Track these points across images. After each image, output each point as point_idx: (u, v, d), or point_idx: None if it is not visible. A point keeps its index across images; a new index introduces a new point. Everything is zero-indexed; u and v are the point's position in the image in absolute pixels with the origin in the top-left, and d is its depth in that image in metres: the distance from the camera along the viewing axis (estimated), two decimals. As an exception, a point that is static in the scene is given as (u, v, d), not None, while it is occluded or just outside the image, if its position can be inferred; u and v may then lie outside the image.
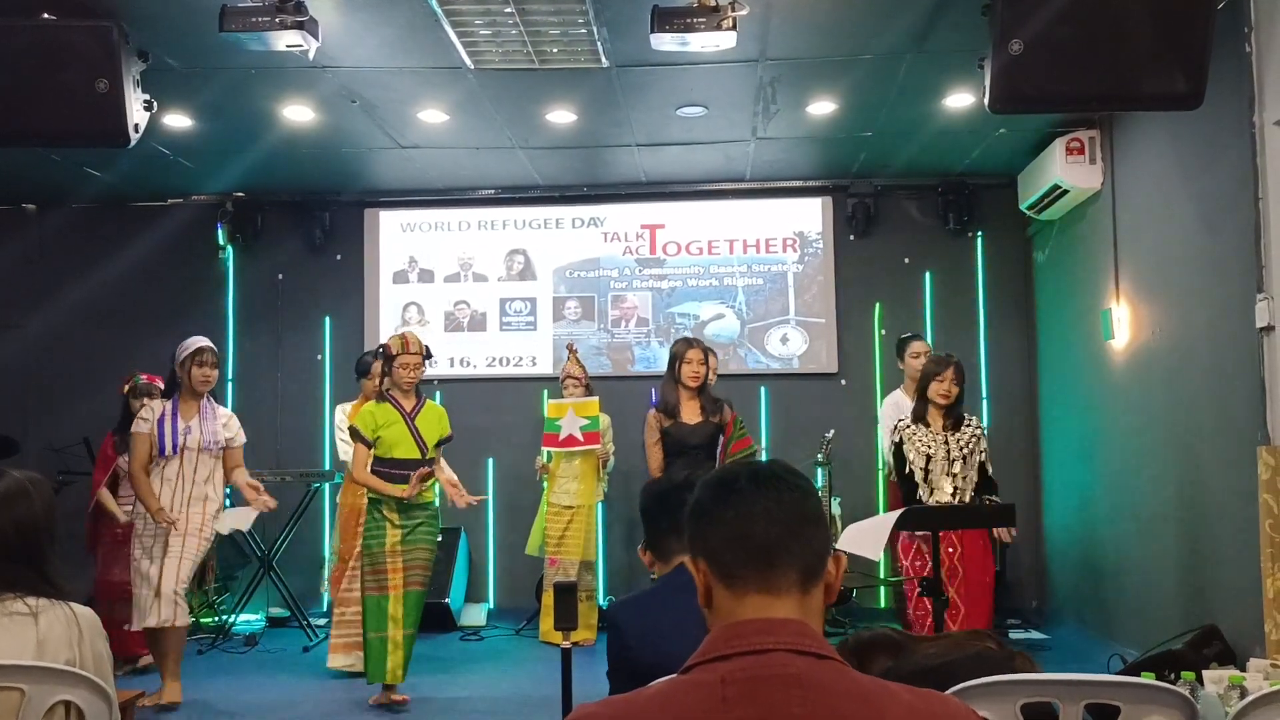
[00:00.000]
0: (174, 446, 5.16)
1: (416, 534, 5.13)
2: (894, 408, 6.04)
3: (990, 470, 5.03)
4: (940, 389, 4.97)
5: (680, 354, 5.43)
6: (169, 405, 5.27)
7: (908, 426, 5.01)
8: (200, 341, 5.32)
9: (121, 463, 5.85)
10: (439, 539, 5.41)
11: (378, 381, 5.54)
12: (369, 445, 5.13)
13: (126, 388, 6.02)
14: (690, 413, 5.40)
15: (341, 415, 6.19)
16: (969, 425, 5.01)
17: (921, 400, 5.04)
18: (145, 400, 5.77)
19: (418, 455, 5.15)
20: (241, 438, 5.44)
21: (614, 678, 2.26)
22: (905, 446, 4.97)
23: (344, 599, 5.68)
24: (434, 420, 5.26)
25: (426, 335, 7.66)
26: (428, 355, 5.34)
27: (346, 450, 5.93)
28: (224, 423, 5.36)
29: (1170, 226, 5.30)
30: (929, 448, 4.92)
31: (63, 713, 2.16)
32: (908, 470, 4.95)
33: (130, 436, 5.29)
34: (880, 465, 7.55)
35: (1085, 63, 4.02)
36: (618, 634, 2.28)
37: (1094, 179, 6.19)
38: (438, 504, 5.38)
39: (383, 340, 7.85)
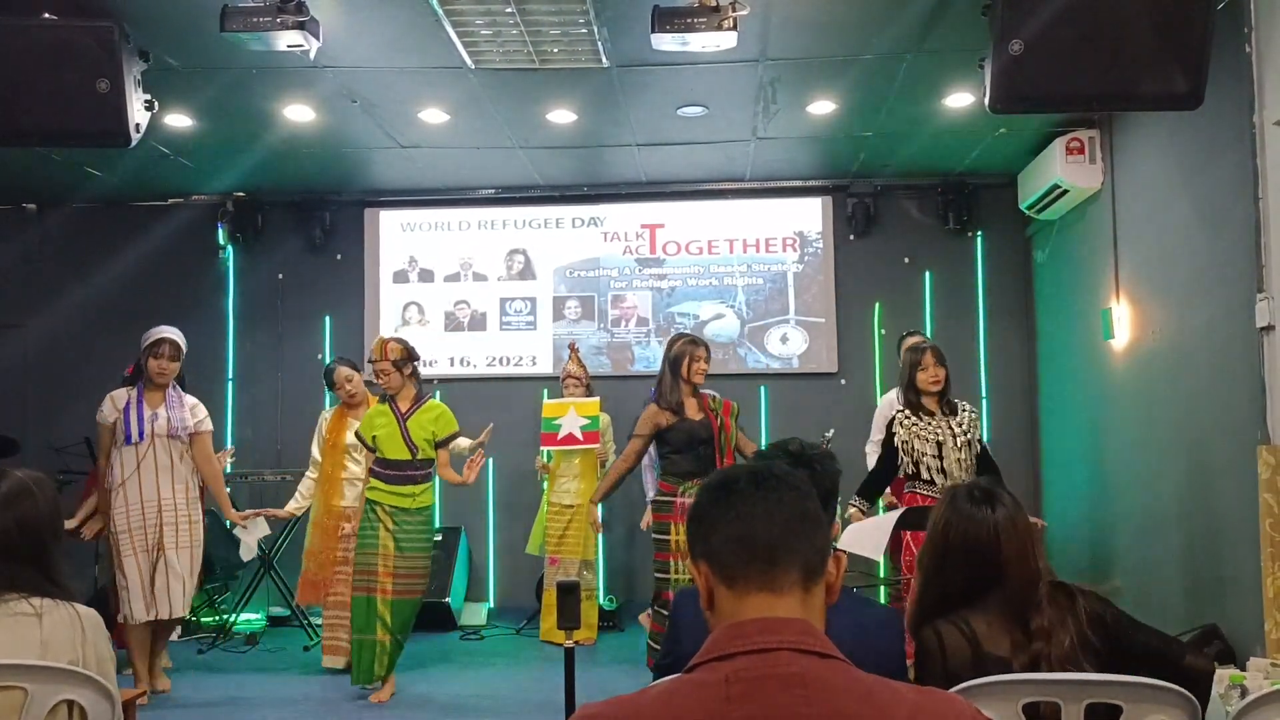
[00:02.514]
0: (140, 433, 5.17)
1: (411, 540, 5.16)
2: (889, 406, 6.01)
3: (990, 453, 4.99)
4: (927, 376, 4.94)
5: (689, 353, 5.39)
6: (134, 393, 5.28)
7: (908, 417, 4.96)
8: (161, 333, 5.32)
9: None
10: (436, 542, 5.42)
11: (340, 389, 5.98)
12: (370, 449, 5.27)
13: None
14: (692, 409, 5.41)
15: (322, 420, 6.22)
16: (965, 410, 4.98)
17: (912, 391, 5.00)
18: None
19: (408, 456, 5.19)
20: (209, 424, 5.43)
21: (659, 669, 2.22)
22: (905, 435, 4.91)
23: (338, 602, 5.74)
24: (427, 420, 5.26)
25: (427, 335, 7.75)
26: (410, 358, 5.31)
27: (317, 454, 6.09)
28: (191, 408, 5.37)
29: (1170, 226, 5.30)
30: (938, 435, 4.88)
31: (65, 712, 2.16)
32: (900, 459, 4.91)
33: (98, 429, 5.30)
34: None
35: (1085, 63, 4.02)
36: (674, 624, 2.26)
37: (1094, 179, 6.19)
38: (436, 507, 5.40)
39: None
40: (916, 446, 4.88)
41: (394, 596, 5.10)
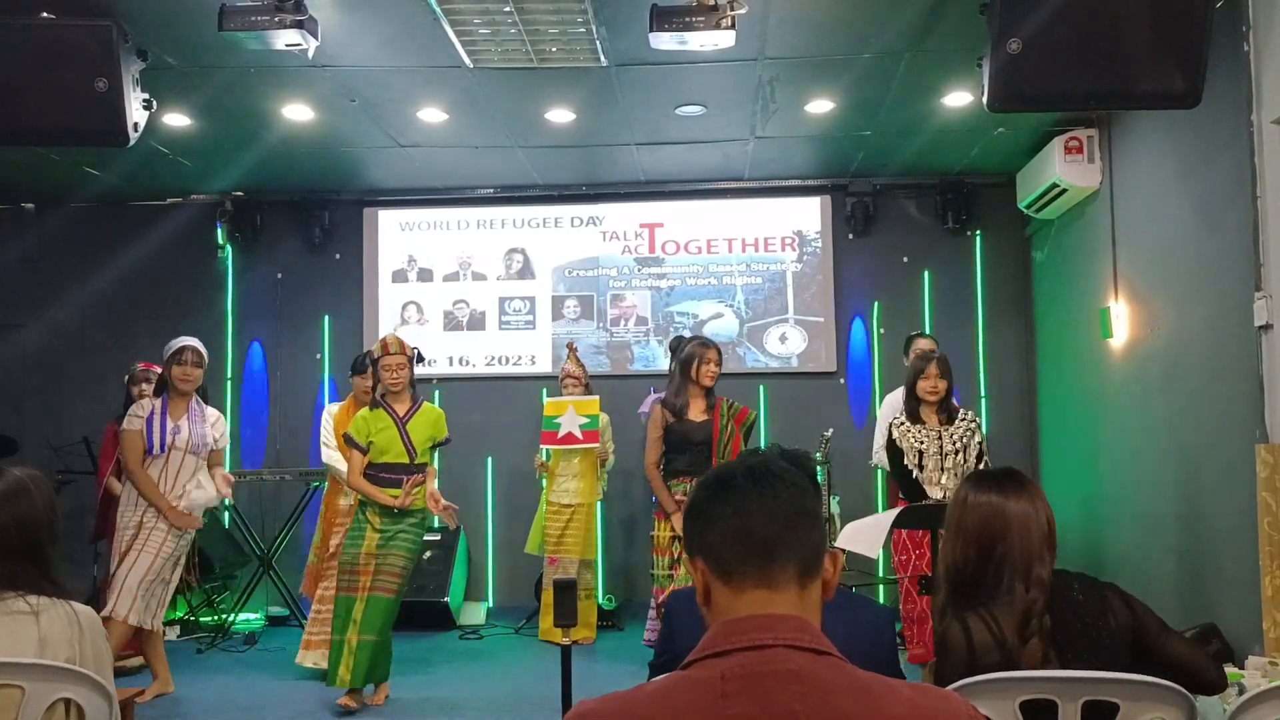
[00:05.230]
0: (162, 445, 5.15)
1: (396, 540, 5.01)
2: (891, 407, 6.07)
3: (986, 464, 5.02)
4: (927, 385, 5.09)
5: (700, 355, 5.42)
6: (158, 404, 5.26)
7: (901, 424, 5.07)
8: (184, 341, 5.31)
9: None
10: (422, 545, 5.30)
11: (370, 383, 5.55)
12: (363, 451, 5.08)
13: (126, 377, 6.04)
14: (697, 411, 5.46)
15: (328, 417, 6.12)
16: (963, 419, 5.08)
17: (913, 398, 5.11)
18: (142, 386, 5.80)
19: (407, 460, 5.08)
20: (225, 441, 5.45)
21: (654, 669, 2.21)
22: (899, 442, 5.04)
23: (322, 597, 5.67)
24: (427, 424, 5.18)
25: (426, 334, 7.75)
26: (418, 358, 5.30)
27: (329, 454, 5.95)
28: (213, 423, 5.34)
29: (1168, 225, 5.30)
30: (921, 443, 5.00)
31: (63, 710, 2.16)
32: (906, 466, 5.00)
33: (122, 434, 5.28)
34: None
35: (1083, 61, 4.03)
36: (668, 623, 2.25)
37: (1092, 178, 6.19)
38: (431, 512, 5.25)
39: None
40: (904, 451, 5.05)
41: (369, 594, 4.95)
